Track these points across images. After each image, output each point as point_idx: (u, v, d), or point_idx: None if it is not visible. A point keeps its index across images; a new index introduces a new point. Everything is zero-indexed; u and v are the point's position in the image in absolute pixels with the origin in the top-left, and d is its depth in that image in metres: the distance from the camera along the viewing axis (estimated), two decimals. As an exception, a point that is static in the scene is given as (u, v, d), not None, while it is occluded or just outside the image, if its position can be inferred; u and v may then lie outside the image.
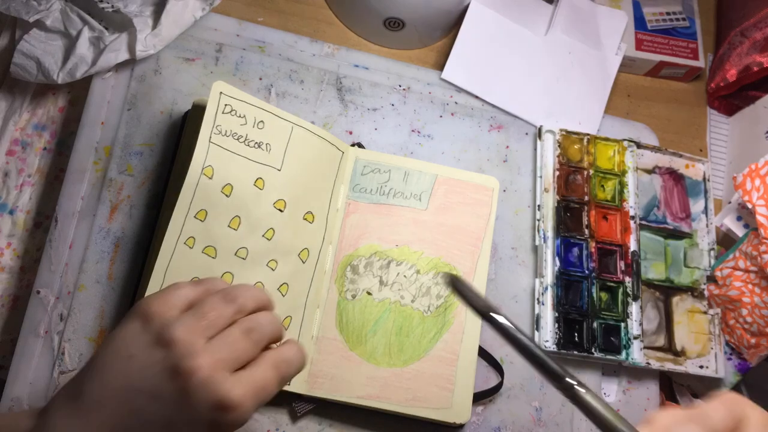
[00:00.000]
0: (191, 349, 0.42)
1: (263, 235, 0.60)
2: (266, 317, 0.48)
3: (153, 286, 0.56)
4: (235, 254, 0.59)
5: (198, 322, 0.44)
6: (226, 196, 0.59)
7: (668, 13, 0.86)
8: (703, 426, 0.36)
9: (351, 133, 0.71)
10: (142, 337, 0.43)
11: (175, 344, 0.42)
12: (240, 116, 0.61)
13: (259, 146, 0.61)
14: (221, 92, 0.60)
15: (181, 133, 0.65)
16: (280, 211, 0.61)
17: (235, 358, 0.44)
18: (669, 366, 0.69)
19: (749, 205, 0.69)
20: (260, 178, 0.61)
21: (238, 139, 0.60)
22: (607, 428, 0.38)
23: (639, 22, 0.85)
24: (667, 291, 0.72)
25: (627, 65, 0.83)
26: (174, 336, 0.43)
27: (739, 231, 0.75)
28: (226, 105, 0.60)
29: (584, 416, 0.40)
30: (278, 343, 0.49)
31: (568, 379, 0.40)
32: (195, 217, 0.58)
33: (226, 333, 0.45)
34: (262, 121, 0.62)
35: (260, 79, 0.70)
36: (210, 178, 0.59)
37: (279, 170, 0.62)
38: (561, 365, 0.41)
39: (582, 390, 0.40)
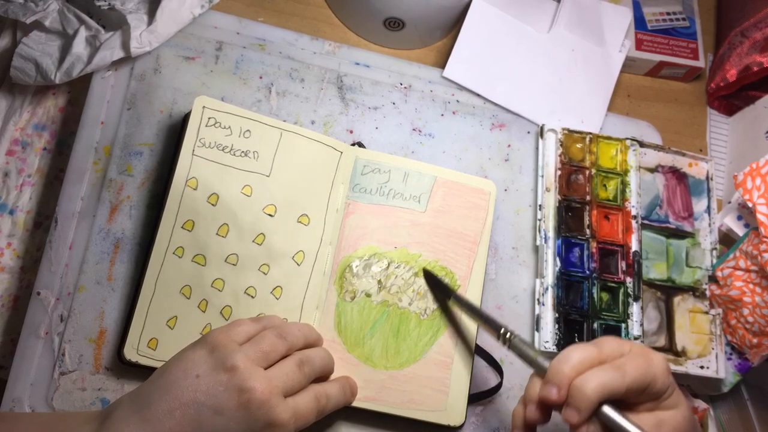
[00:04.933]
0: (251, 374, 0.51)
1: (253, 241, 0.62)
2: (318, 353, 0.58)
3: (145, 295, 0.59)
4: (225, 261, 0.61)
5: (255, 353, 0.52)
6: (213, 205, 0.61)
7: (668, 13, 0.86)
8: (597, 348, 0.48)
9: (352, 132, 0.71)
10: (209, 361, 0.51)
11: (237, 369, 0.50)
12: (225, 127, 0.63)
13: (245, 154, 0.63)
14: (204, 106, 0.62)
15: (182, 133, 0.64)
16: (270, 216, 0.62)
17: (288, 386, 0.53)
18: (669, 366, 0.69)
19: (750, 204, 0.69)
20: (248, 185, 0.62)
21: (223, 150, 0.62)
22: (531, 362, 0.51)
23: (639, 22, 0.84)
24: (668, 291, 0.72)
25: (627, 65, 0.83)
26: (236, 363, 0.51)
27: (739, 230, 0.75)
28: (210, 118, 0.62)
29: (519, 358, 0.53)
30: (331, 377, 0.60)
31: (503, 329, 0.55)
32: (182, 227, 0.60)
33: (282, 363, 0.54)
34: (248, 130, 0.63)
35: (260, 77, 0.70)
36: (195, 189, 0.61)
37: (267, 176, 0.63)
38: (500, 323, 0.56)
39: (514, 335, 0.54)
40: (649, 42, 0.84)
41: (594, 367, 0.47)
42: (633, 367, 0.47)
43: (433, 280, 0.65)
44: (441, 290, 0.64)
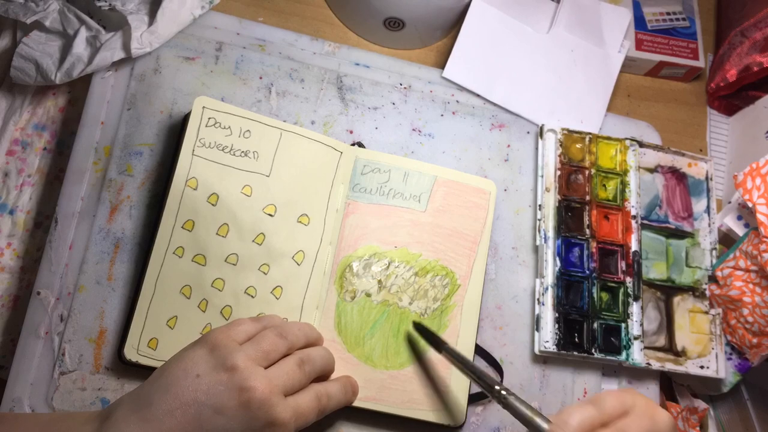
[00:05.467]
0: (252, 373, 0.50)
1: (253, 241, 0.62)
2: (319, 352, 0.57)
3: (145, 295, 0.59)
4: (225, 260, 0.61)
5: (256, 352, 0.52)
6: (213, 205, 0.61)
7: (668, 13, 0.86)
8: (597, 409, 0.46)
9: (351, 132, 0.71)
10: (209, 361, 0.51)
11: (238, 369, 0.50)
12: (225, 127, 0.63)
13: (245, 154, 0.63)
14: (204, 106, 0.63)
15: (182, 134, 0.64)
16: (270, 215, 0.62)
17: (288, 385, 0.52)
18: (669, 366, 0.69)
19: (750, 204, 0.69)
20: (247, 185, 0.63)
21: (222, 150, 0.62)
22: (527, 424, 0.49)
23: (639, 22, 0.85)
24: (668, 291, 0.72)
25: (627, 65, 0.83)
26: (236, 362, 0.51)
27: (739, 230, 0.75)
28: (209, 118, 0.63)
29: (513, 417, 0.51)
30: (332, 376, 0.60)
31: (497, 387, 0.53)
32: (182, 227, 0.61)
33: (282, 362, 0.53)
34: (248, 131, 0.63)
35: (260, 78, 0.70)
36: (195, 189, 0.61)
37: (267, 176, 0.63)
38: (494, 380, 0.54)
39: (510, 394, 0.52)
40: (649, 42, 0.84)
41: (595, 430, 0.45)
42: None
43: (424, 332, 0.63)
44: (432, 343, 0.62)
